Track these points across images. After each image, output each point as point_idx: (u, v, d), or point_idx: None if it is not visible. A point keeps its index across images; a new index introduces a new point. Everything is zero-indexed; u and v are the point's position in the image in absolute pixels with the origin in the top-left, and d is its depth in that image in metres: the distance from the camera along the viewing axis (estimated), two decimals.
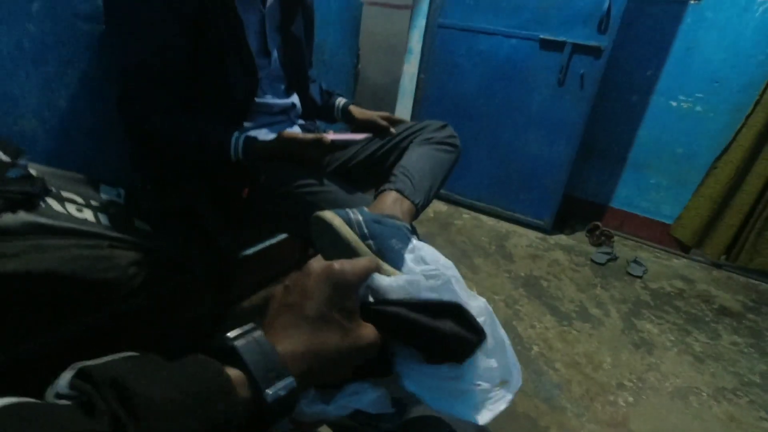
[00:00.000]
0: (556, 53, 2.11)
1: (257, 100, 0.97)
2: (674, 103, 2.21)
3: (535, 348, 1.48)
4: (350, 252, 0.69)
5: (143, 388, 0.26)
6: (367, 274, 0.41)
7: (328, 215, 0.71)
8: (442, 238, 2.17)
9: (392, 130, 1.07)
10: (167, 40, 0.82)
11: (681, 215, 2.29)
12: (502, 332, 0.50)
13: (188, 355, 0.32)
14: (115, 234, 0.66)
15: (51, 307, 0.57)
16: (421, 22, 2.44)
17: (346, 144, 0.95)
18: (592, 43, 2.00)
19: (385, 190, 0.85)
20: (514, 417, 1.20)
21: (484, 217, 2.50)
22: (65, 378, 0.27)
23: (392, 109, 2.68)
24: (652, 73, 2.22)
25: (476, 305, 0.49)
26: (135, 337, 0.69)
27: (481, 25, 2.24)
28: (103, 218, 0.68)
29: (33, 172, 0.65)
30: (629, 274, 2.07)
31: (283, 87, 1.05)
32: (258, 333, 0.34)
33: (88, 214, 0.67)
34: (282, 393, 0.32)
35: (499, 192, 2.47)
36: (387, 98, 2.75)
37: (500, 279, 1.88)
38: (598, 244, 2.31)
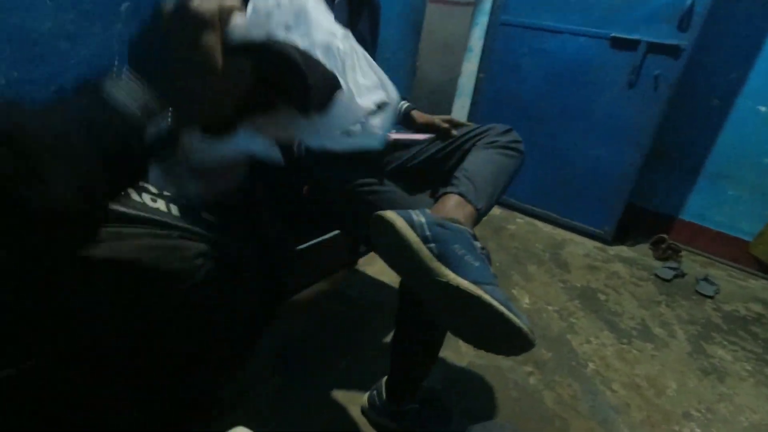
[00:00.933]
0: (628, 53, 1.98)
1: None
2: (763, 108, 2.01)
3: (591, 365, 1.40)
4: (410, 254, 0.68)
5: None
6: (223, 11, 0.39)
7: (391, 215, 0.69)
8: (494, 243, 2.11)
9: (454, 132, 1.04)
10: None
11: (762, 232, 2.08)
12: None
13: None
14: (183, 224, 0.69)
15: (124, 294, 0.60)
16: (482, 20, 2.38)
17: (408, 144, 0.94)
18: (671, 41, 1.86)
19: (447, 192, 0.82)
20: None
21: (539, 223, 2.40)
22: None
23: (449, 109, 2.64)
24: (738, 74, 2.03)
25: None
26: (190, 331, 0.71)
27: (546, 22, 2.15)
28: (173, 209, 0.71)
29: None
30: (698, 293, 1.91)
31: None
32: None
33: (161, 204, 0.70)
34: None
35: (556, 197, 2.36)
36: (444, 97, 2.71)
37: (554, 289, 1.80)
38: (664, 259, 2.15)
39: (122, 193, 0.63)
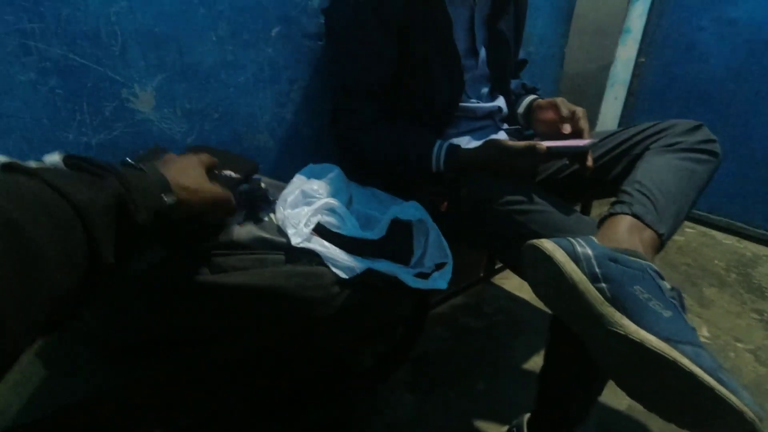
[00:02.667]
0: None
1: (461, 104, 0.90)
2: None
3: None
4: (574, 295, 0.56)
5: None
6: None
7: (549, 246, 0.58)
8: (656, 257, 1.78)
9: (589, 162, 0.79)
10: (378, 55, 0.82)
11: None
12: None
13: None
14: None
15: (262, 321, 0.61)
16: None
17: (565, 152, 0.80)
18: None
19: (617, 213, 0.67)
20: None
21: (718, 234, 1.96)
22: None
23: (598, 102, 2.32)
24: None
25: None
26: (330, 351, 0.70)
27: None
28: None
29: (263, 185, 0.71)
30: None
31: (486, 89, 0.95)
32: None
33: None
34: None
35: (744, 202, 1.89)
36: (592, 88, 2.39)
37: (745, 321, 1.43)
38: None
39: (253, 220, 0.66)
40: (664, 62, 2.00)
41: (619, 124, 2.35)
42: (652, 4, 1.98)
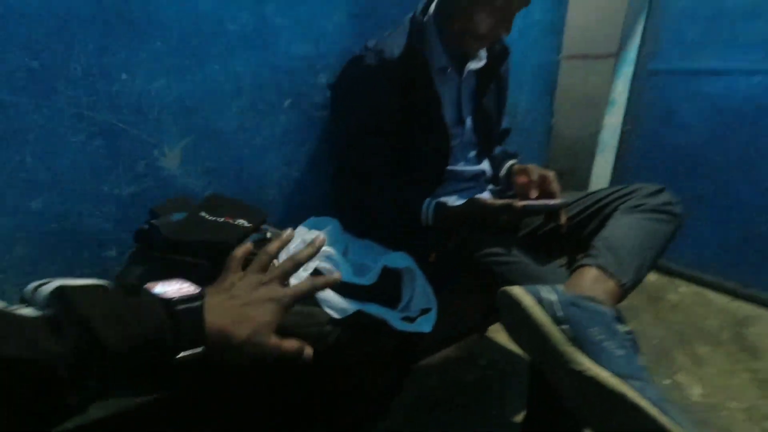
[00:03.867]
0: None
1: (449, 167, 1.01)
2: None
3: None
4: (540, 336, 0.63)
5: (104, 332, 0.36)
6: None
7: (518, 292, 0.66)
8: (649, 315, 1.81)
9: (563, 219, 0.89)
10: (383, 122, 0.93)
11: None
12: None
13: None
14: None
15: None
16: (626, 70, 2.22)
17: (539, 210, 0.90)
18: None
19: (583, 265, 0.76)
20: None
21: (710, 294, 2.00)
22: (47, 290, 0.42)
23: (589, 167, 2.46)
24: None
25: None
26: (320, 404, 0.76)
27: (708, 64, 1.90)
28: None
29: (269, 234, 0.80)
30: None
31: (473, 153, 1.07)
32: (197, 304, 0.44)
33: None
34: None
35: (734, 262, 1.95)
36: (583, 154, 2.54)
37: (739, 380, 1.44)
38: None
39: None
40: (647, 130, 2.15)
41: (610, 185, 2.47)
42: (633, 80, 2.17)
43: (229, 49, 0.90)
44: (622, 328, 0.63)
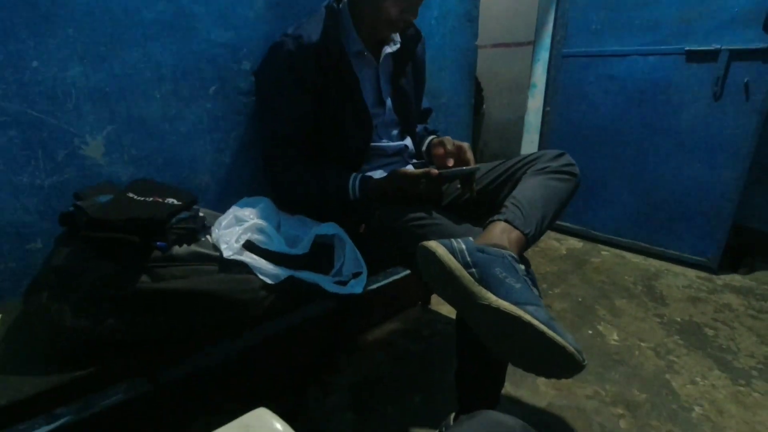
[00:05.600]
0: (707, 64, 1.85)
1: (373, 144, 1.08)
2: None
3: (698, 409, 1.23)
4: (453, 280, 0.71)
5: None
6: None
7: (432, 244, 0.74)
8: (576, 277, 1.99)
9: (473, 184, 1.01)
10: (297, 112, 0.99)
11: None
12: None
13: None
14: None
15: (203, 322, 0.71)
16: (544, 55, 2.40)
17: (454, 175, 0.98)
18: (758, 45, 1.71)
19: (493, 221, 0.85)
20: None
21: (627, 254, 2.22)
22: None
23: (518, 146, 2.63)
24: None
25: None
26: (254, 373, 0.80)
27: (611, 47, 2.11)
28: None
29: (201, 214, 0.83)
30: None
31: (396, 131, 1.15)
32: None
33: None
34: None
35: (646, 226, 2.18)
36: (513, 135, 2.72)
37: (649, 324, 1.63)
38: None
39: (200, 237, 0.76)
40: (563, 111, 2.34)
41: None
42: (549, 64, 2.35)
43: (147, 37, 0.91)
44: (521, 267, 0.73)
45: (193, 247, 0.74)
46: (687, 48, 1.88)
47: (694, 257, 2.04)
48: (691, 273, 2.01)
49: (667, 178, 2.07)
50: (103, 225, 0.67)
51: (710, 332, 1.58)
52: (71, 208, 0.71)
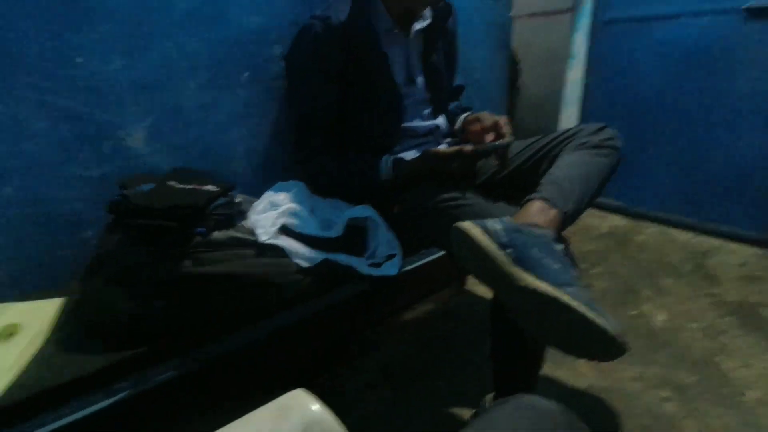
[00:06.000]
0: None
1: (404, 125, 1.06)
2: None
3: (751, 393, 1.17)
4: (489, 261, 0.70)
5: None
6: None
7: (466, 225, 0.73)
8: (618, 256, 1.91)
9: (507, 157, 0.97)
10: (322, 101, 1.00)
11: None
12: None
13: None
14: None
15: (242, 304, 0.74)
16: (584, 22, 2.27)
17: (489, 151, 0.95)
18: None
19: (530, 199, 0.82)
20: None
21: (674, 231, 2.11)
22: None
23: (554, 121, 2.52)
24: None
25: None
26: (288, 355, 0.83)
27: (658, 9, 1.96)
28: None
29: (238, 200, 0.85)
30: None
31: (428, 111, 1.12)
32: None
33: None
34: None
35: (696, 201, 2.06)
36: (550, 109, 2.61)
37: (699, 304, 1.55)
38: None
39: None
40: (606, 82, 2.22)
41: None
42: (590, 32, 2.22)
43: (180, 27, 0.92)
44: (558, 246, 0.70)
45: (231, 232, 0.76)
46: (746, 5, 1.73)
47: (751, 233, 1.91)
48: (747, 250, 1.89)
49: (721, 149, 1.93)
50: (145, 212, 0.70)
51: (766, 313, 1.48)
52: (118, 197, 0.75)
